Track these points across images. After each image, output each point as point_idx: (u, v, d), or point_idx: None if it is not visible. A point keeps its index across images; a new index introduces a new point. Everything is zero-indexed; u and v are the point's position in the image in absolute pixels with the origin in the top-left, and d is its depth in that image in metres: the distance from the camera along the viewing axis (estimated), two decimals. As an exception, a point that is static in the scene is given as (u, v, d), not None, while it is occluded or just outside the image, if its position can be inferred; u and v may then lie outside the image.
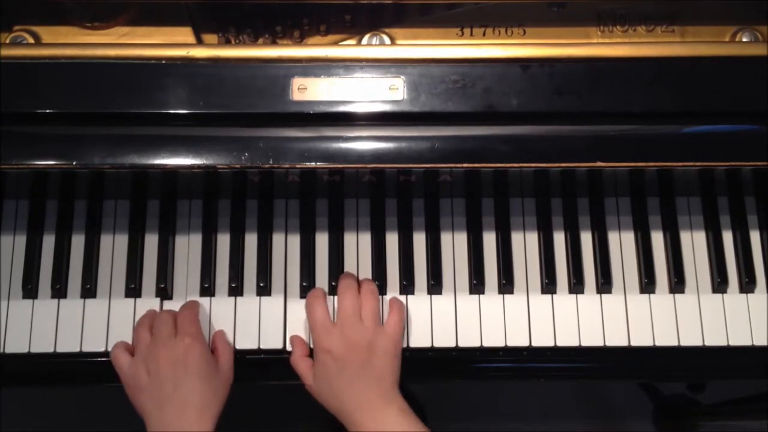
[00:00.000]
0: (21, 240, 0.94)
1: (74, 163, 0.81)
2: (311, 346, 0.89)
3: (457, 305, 0.93)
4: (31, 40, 0.87)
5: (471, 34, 0.90)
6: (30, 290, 0.92)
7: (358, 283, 0.90)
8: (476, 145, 0.83)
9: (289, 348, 0.91)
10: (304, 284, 0.93)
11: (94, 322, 0.91)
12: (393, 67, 0.83)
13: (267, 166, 0.82)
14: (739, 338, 0.92)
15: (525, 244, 0.96)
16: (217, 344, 0.88)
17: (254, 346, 0.91)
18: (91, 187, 0.94)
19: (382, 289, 0.93)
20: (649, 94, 0.83)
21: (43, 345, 0.90)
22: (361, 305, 0.87)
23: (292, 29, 0.90)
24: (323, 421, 0.87)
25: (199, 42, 0.88)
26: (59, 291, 0.92)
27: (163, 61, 0.82)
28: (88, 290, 0.93)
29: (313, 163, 0.82)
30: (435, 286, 0.93)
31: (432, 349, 0.91)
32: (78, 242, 0.94)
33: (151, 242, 0.95)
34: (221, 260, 0.94)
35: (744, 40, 0.89)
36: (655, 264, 0.95)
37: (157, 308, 0.92)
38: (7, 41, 0.87)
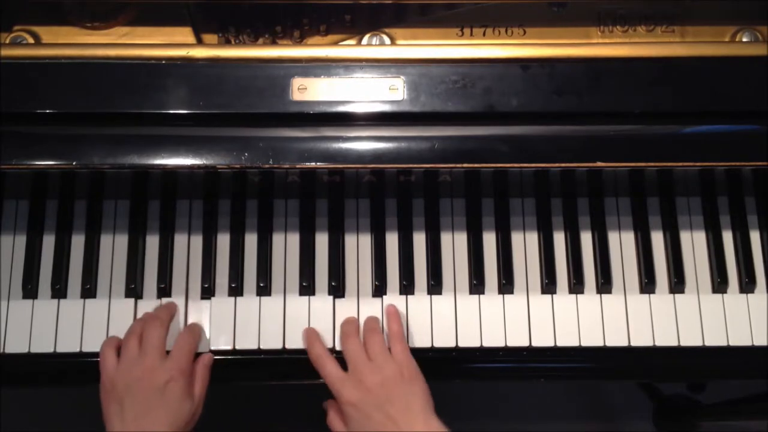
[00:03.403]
0: (21, 240, 0.94)
1: (74, 163, 0.81)
2: (328, 346, 0.89)
3: (457, 305, 0.93)
4: (31, 40, 0.87)
5: (471, 34, 0.90)
6: (30, 290, 0.92)
7: (357, 326, 0.90)
8: (476, 145, 0.83)
9: (289, 347, 0.91)
10: (304, 284, 0.93)
11: (94, 322, 0.91)
12: (393, 67, 0.83)
13: (267, 166, 0.81)
14: (739, 338, 0.92)
15: (525, 244, 0.96)
16: (197, 375, 0.87)
17: (254, 346, 0.91)
18: (91, 187, 0.94)
19: (382, 290, 0.93)
20: (649, 94, 0.83)
21: (43, 345, 0.90)
22: (366, 345, 0.87)
23: (292, 29, 0.90)
24: (323, 422, 0.87)
25: (199, 42, 0.88)
26: (59, 291, 0.92)
27: (163, 61, 0.82)
28: (88, 290, 0.93)
29: (313, 163, 0.82)
30: (435, 286, 0.93)
31: (432, 349, 0.91)
32: (78, 242, 0.94)
33: (151, 242, 0.95)
34: (221, 260, 0.94)
35: (744, 40, 0.89)
36: (655, 264, 0.95)
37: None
38: (7, 41, 0.87)
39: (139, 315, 0.91)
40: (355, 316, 0.92)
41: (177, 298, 0.93)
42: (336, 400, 0.85)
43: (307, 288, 0.93)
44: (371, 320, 0.90)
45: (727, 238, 0.96)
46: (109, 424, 0.82)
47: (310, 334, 0.90)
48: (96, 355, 0.90)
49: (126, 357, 0.85)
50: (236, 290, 0.93)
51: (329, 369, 0.86)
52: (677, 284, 0.94)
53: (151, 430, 0.80)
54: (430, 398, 0.84)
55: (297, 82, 0.82)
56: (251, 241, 0.95)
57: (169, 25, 0.88)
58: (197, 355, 0.88)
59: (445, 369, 0.93)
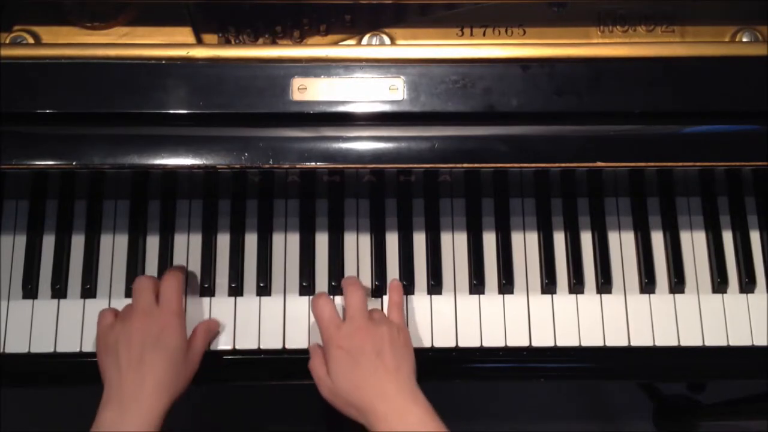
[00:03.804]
0: (21, 240, 0.94)
1: (74, 163, 0.81)
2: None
3: (457, 305, 0.93)
4: (31, 40, 0.87)
5: (471, 34, 0.90)
6: (30, 290, 0.92)
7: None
8: (476, 145, 0.83)
9: (289, 347, 0.91)
10: (304, 284, 0.93)
11: (94, 322, 0.91)
12: (393, 67, 0.83)
13: (267, 166, 0.81)
14: (739, 338, 0.92)
15: (525, 244, 0.96)
16: (197, 332, 0.88)
17: (254, 346, 0.91)
18: (91, 187, 0.94)
19: (382, 290, 0.93)
20: (649, 94, 0.83)
21: (43, 345, 0.90)
22: (367, 301, 0.87)
23: (292, 29, 0.90)
24: (321, 422, 0.87)
25: (199, 42, 0.88)
26: (59, 291, 0.92)
27: (163, 61, 0.82)
28: (88, 290, 0.93)
29: (313, 163, 0.82)
30: (435, 286, 0.93)
31: (432, 350, 0.91)
32: (78, 242, 0.94)
33: (151, 242, 0.95)
34: (221, 260, 0.94)
35: (744, 40, 0.89)
36: (655, 264, 0.95)
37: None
38: (7, 41, 0.87)
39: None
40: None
41: (177, 298, 0.93)
42: (325, 344, 0.85)
43: (307, 288, 0.93)
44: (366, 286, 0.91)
45: (727, 238, 0.96)
46: (106, 378, 0.82)
47: (320, 292, 0.90)
48: (96, 355, 0.90)
49: (121, 314, 0.86)
50: (236, 290, 0.93)
51: (329, 312, 0.86)
52: (677, 284, 0.94)
53: (152, 373, 0.80)
54: (415, 369, 0.84)
55: (297, 82, 0.82)
56: (251, 241, 0.95)
57: (169, 25, 0.88)
58: (209, 356, 0.89)
59: (445, 369, 0.93)
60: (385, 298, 0.92)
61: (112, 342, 0.83)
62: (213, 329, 0.90)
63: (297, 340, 0.91)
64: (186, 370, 0.84)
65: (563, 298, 0.93)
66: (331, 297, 0.92)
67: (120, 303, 0.92)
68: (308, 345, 0.90)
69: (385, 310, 0.90)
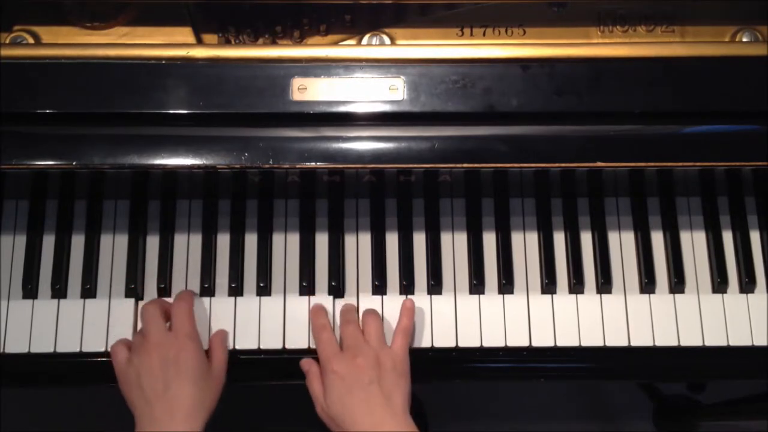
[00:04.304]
0: (21, 240, 0.94)
1: (74, 163, 0.81)
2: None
3: (457, 305, 0.93)
4: (31, 40, 0.87)
5: (471, 34, 0.90)
6: (30, 290, 0.92)
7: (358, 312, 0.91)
8: (476, 145, 0.83)
9: (289, 347, 0.91)
10: (303, 284, 0.93)
11: (94, 322, 0.91)
12: (393, 67, 0.83)
13: (267, 166, 0.81)
14: (739, 338, 0.92)
15: (525, 244, 0.96)
16: (214, 345, 0.88)
17: (254, 346, 0.91)
18: (91, 187, 0.94)
19: (382, 289, 0.93)
20: (649, 94, 0.83)
21: (43, 345, 0.90)
22: (363, 330, 0.87)
23: (292, 29, 0.90)
24: (321, 422, 0.87)
25: (199, 42, 0.88)
26: (59, 291, 0.92)
27: (163, 61, 0.82)
28: (88, 290, 0.93)
29: (313, 163, 0.82)
30: (435, 286, 0.93)
31: (432, 350, 0.91)
32: (78, 242, 0.94)
33: (151, 242, 0.95)
34: (221, 260, 0.94)
35: (744, 40, 0.89)
36: (655, 264, 0.95)
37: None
38: (7, 41, 0.87)
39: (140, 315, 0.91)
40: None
41: (177, 298, 0.93)
42: (322, 365, 0.86)
43: (307, 288, 0.93)
44: (370, 309, 0.91)
45: (727, 238, 0.96)
46: (137, 412, 0.82)
47: (318, 307, 0.91)
48: (96, 355, 0.90)
49: (133, 346, 0.86)
50: (236, 290, 0.93)
51: (326, 339, 0.87)
52: (677, 284, 0.94)
53: (180, 400, 0.80)
54: (409, 399, 0.84)
55: (297, 82, 0.82)
56: (251, 241, 0.95)
57: (169, 25, 0.88)
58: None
59: (445, 369, 0.93)
60: (386, 298, 0.92)
61: (134, 377, 0.83)
62: (226, 337, 0.90)
63: (297, 341, 0.91)
64: (213, 386, 0.85)
65: (563, 298, 0.93)
66: (328, 295, 0.92)
67: (120, 303, 0.92)
68: (308, 345, 0.90)
69: (392, 318, 0.90)
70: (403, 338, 0.87)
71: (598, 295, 0.94)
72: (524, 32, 0.90)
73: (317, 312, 0.90)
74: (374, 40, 0.89)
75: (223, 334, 0.90)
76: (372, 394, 0.82)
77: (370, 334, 0.87)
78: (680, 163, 0.84)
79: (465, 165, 0.83)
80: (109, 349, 0.89)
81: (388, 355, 0.85)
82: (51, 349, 0.90)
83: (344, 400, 0.82)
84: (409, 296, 0.93)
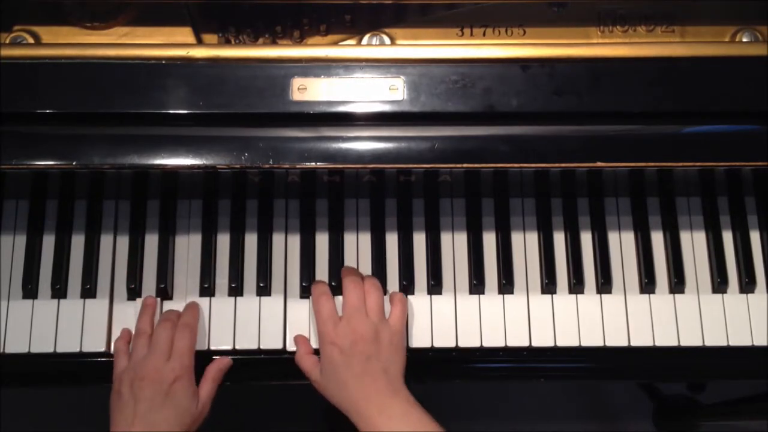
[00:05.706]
0: (21, 240, 0.94)
1: (74, 163, 0.81)
2: (314, 346, 0.89)
3: (457, 305, 0.93)
4: (31, 40, 0.87)
5: (471, 34, 0.90)
6: (30, 290, 0.92)
7: (361, 278, 0.91)
8: (476, 145, 0.83)
9: (289, 348, 0.91)
10: (304, 284, 0.93)
11: (94, 322, 0.91)
12: (393, 67, 0.83)
13: (267, 166, 0.81)
14: (739, 338, 0.92)
15: (525, 244, 0.96)
16: (207, 377, 0.88)
17: (254, 346, 0.91)
18: (91, 187, 0.94)
19: (383, 289, 0.93)
20: (649, 94, 0.83)
21: (43, 345, 0.90)
22: (365, 299, 0.87)
23: (292, 29, 0.90)
24: (321, 422, 0.87)
25: (199, 42, 0.88)
26: (59, 291, 0.92)
27: (163, 61, 0.82)
28: (88, 290, 0.93)
29: (313, 163, 0.82)
30: (435, 286, 0.93)
31: (432, 350, 0.91)
32: (78, 242, 0.94)
33: (151, 242, 0.95)
34: (221, 260, 0.94)
35: (744, 40, 0.89)
36: (655, 264, 0.95)
37: (157, 309, 0.92)
38: (7, 41, 0.87)
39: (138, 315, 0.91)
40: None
41: (177, 298, 0.93)
42: (320, 337, 0.86)
43: (307, 288, 0.93)
44: (373, 278, 0.91)
45: (727, 238, 0.96)
46: (114, 423, 0.82)
47: (319, 280, 0.91)
48: (95, 355, 0.90)
49: (134, 357, 0.86)
50: (236, 290, 0.93)
51: (327, 308, 0.87)
52: (677, 284, 0.94)
53: (160, 426, 0.81)
54: (403, 371, 0.85)
55: (297, 82, 0.82)
56: (251, 241, 0.95)
57: (169, 25, 0.88)
58: (209, 357, 0.89)
59: (445, 369, 0.93)
60: (385, 298, 0.92)
61: (125, 390, 0.83)
62: (224, 368, 0.90)
63: (297, 340, 0.91)
64: (195, 418, 0.84)
65: (563, 298, 0.93)
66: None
67: (120, 304, 0.92)
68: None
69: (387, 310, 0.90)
70: (401, 309, 0.89)
71: (598, 295, 0.94)
72: (524, 32, 0.90)
73: (318, 283, 0.91)
74: (374, 40, 0.89)
75: (220, 364, 0.89)
76: (367, 369, 0.83)
77: (371, 307, 0.87)
78: (680, 163, 0.84)
79: (465, 165, 0.83)
80: (108, 349, 0.89)
81: (387, 329, 0.86)
82: (51, 349, 0.90)
83: (341, 373, 0.83)
84: (409, 296, 0.93)
